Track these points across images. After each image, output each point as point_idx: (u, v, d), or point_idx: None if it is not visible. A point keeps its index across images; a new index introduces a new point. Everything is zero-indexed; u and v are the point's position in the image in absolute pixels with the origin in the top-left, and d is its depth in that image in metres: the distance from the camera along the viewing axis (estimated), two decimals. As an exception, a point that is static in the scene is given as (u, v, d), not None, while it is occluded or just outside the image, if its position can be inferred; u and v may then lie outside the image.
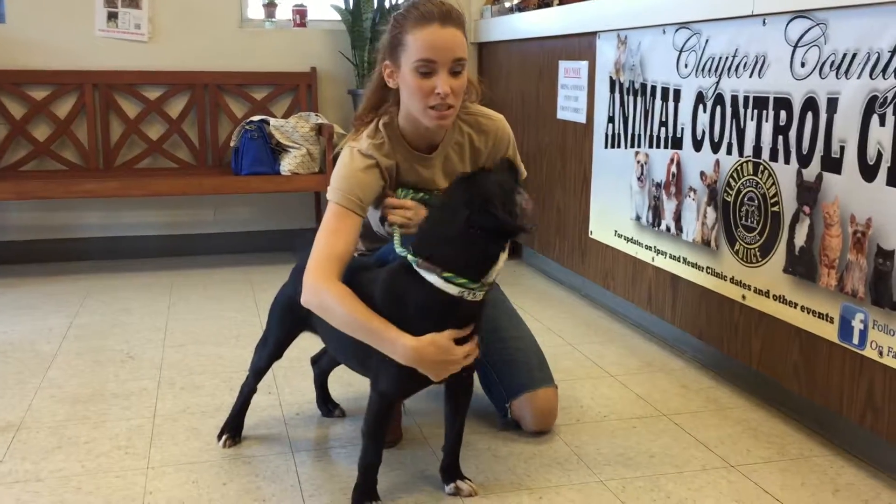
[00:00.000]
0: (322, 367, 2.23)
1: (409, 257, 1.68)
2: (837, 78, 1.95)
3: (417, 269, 1.66)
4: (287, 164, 3.80)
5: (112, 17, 3.96)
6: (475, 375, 2.19)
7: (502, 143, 2.04)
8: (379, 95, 1.96)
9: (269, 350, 2.02)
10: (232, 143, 3.90)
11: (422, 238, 1.71)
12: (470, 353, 1.71)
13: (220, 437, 2.07)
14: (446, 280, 1.64)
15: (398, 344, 1.66)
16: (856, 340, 1.94)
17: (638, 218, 2.88)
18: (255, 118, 3.86)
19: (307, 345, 2.12)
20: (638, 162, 2.85)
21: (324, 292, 1.75)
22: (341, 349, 1.90)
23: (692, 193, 2.55)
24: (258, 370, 2.06)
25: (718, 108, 2.39)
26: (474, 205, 1.63)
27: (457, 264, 1.64)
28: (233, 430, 2.08)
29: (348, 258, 1.82)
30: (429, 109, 1.83)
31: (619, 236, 3.01)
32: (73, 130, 3.95)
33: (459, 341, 1.69)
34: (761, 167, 2.22)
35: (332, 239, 1.82)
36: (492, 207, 1.62)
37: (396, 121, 1.94)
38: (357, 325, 1.71)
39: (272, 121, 3.85)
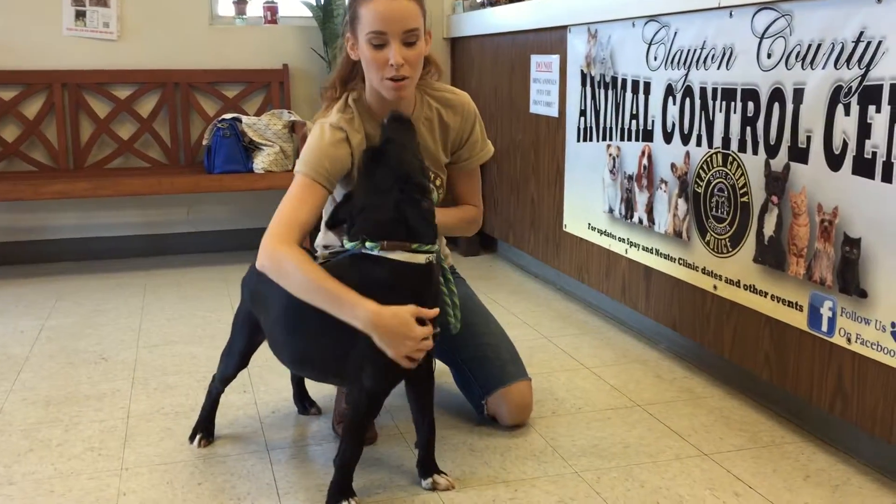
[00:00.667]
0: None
1: (368, 244, 1.69)
2: (803, 69, 1.97)
3: (381, 254, 1.68)
4: (260, 162, 3.78)
5: (80, 15, 3.91)
6: (450, 375, 2.21)
7: (469, 117, 2.09)
8: (347, 68, 2.00)
9: (235, 360, 2.02)
10: (204, 142, 3.87)
11: (368, 225, 1.71)
12: (427, 337, 1.70)
13: (192, 437, 2.06)
14: (415, 251, 1.68)
15: (359, 308, 1.65)
16: (824, 328, 1.97)
17: (611, 210, 2.89)
18: (228, 116, 3.84)
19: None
20: (610, 155, 2.87)
21: (281, 256, 1.74)
22: (304, 357, 1.85)
23: (663, 185, 2.56)
24: (225, 378, 2.06)
25: (688, 101, 2.41)
26: (400, 186, 1.69)
27: (417, 234, 1.69)
28: (205, 430, 2.07)
29: (310, 228, 1.82)
30: (385, 81, 1.87)
31: (593, 229, 3.03)
32: (43, 131, 3.91)
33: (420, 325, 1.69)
34: (730, 158, 2.25)
35: (295, 208, 1.82)
36: (416, 190, 1.70)
37: (364, 96, 1.98)
38: (316, 288, 1.69)
39: (244, 118, 3.83)
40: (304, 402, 2.25)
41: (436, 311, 1.72)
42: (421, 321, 1.69)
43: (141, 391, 2.40)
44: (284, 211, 1.82)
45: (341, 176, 1.92)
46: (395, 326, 1.64)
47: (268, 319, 1.87)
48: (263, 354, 2.03)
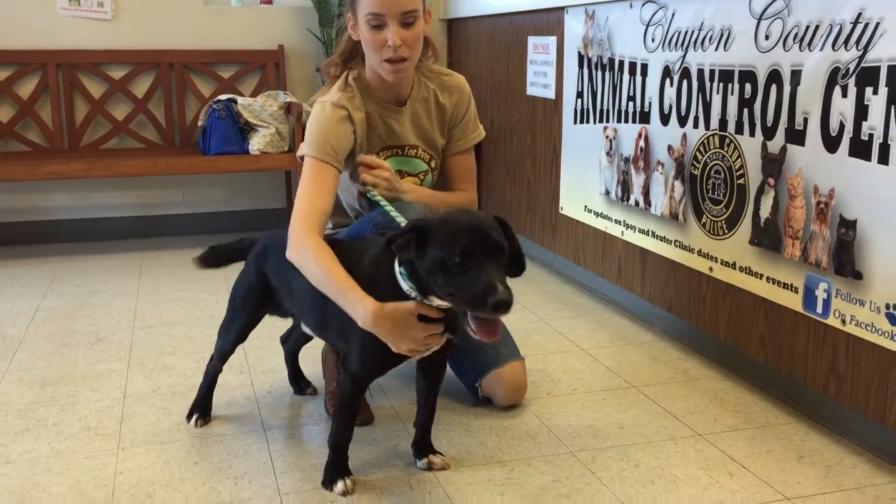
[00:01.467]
0: (291, 345, 2.23)
1: (407, 281, 1.61)
2: (801, 50, 1.96)
3: (410, 290, 1.61)
4: (256, 144, 3.77)
5: (74, -6, 3.89)
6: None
7: (464, 98, 2.11)
8: (349, 46, 2.03)
9: (234, 336, 2.01)
10: (199, 123, 3.86)
11: (440, 287, 1.55)
12: (431, 338, 1.63)
13: (189, 417, 2.07)
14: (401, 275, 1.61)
15: (359, 305, 1.64)
16: (819, 310, 1.97)
17: (607, 192, 2.89)
18: (223, 97, 3.82)
19: (280, 324, 2.12)
20: (607, 137, 2.86)
21: (304, 247, 1.76)
22: (322, 324, 1.84)
23: (660, 167, 2.56)
24: (223, 354, 2.05)
25: (685, 82, 2.40)
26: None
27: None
28: (202, 410, 2.07)
29: (329, 211, 1.85)
30: (384, 63, 1.90)
31: (589, 211, 3.03)
32: (37, 111, 3.89)
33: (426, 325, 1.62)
34: (727, 140, 2.24)
35: (312, 194, 1.84)
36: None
37: (364, 75, 2.00)
38: (326, 280, 1.70)
39: (240, 100, 3.81)
40: (299, 383, 2.25)
41: (439, 327, 1.64)
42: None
43: (137, 371, 2.41)
44: (301, 200, 1.84)
45: (346, 153, 1.93)
46: (392, 327, 1.61)
47: (296, 289, 1.84)
48: (259, 335, 2.04)
